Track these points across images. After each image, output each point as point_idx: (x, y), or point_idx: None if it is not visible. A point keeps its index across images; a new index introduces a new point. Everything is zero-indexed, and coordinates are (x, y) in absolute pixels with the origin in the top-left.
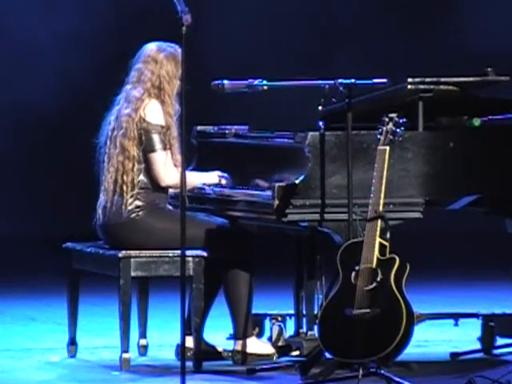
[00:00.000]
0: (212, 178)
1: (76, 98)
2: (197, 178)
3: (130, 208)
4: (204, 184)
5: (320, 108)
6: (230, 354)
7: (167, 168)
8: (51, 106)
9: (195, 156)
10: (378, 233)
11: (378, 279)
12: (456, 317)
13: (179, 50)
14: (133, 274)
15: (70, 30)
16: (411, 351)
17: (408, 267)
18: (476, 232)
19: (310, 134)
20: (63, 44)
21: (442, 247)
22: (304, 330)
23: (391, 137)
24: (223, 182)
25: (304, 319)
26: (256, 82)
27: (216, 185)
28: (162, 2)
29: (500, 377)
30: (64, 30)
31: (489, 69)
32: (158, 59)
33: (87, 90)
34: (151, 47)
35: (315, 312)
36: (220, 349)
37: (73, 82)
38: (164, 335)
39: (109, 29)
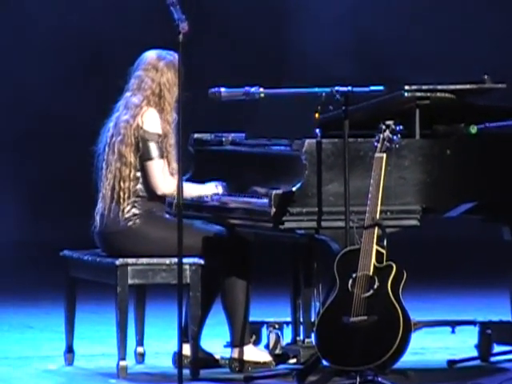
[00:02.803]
0: (209, 189)
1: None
2: (194, 190)
3: (127, 216)
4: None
5: (317, 115)
6: (227, 362)
7: (164, 176)
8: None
9: (192, 164)
10: (375, 240)
11: (375, 287)
12: (453, 324)
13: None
14: (130, 281)
15: None
16: (408, 359)
17: (405, 275)
18: (473, 239)
19: (307, 141)
20: None
21: (438, 255)
22: (301, 337)
23: (388, 144)
24: (220, 191)
25: (301, 327)
26: (253, 89)
27: (213, 194)
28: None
29: None
30: None
31: (485, 76)
32: (159, 67)
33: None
34: (151, 55)
35: (312, 320)
36: (217, 356)
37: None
38: (161, 343)
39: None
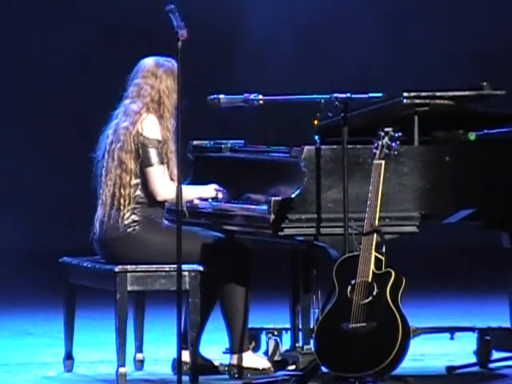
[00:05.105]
0: (209, 191)
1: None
2: (193, 192)
3: (126, 222)
4: (201, 198)
5: (316, 122)
6: (226, 368)
7: (164, 182)
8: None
9: (191, 171)
10: (373, 247)
11: (374, 293)
12: (452, 330)
13: (176, 65)
14: (129, 288)
15: None
16: (407, 365)
17: (404, 281)
18: (471, 246)
19: (306, 148)
20: None
21: (437, 261)
22: (300, 344)
23: (387, 151)
24: (220, 195)
25: (300, 333)
26: (252, 96)
27: (213, 198)
28: None
29: None
30: None
31: (484, 83)
32: (158, 74)
33: None
34: (149, 62)
35: (311, 326)
36: (216, 363)
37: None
38: (160, 349)
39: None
